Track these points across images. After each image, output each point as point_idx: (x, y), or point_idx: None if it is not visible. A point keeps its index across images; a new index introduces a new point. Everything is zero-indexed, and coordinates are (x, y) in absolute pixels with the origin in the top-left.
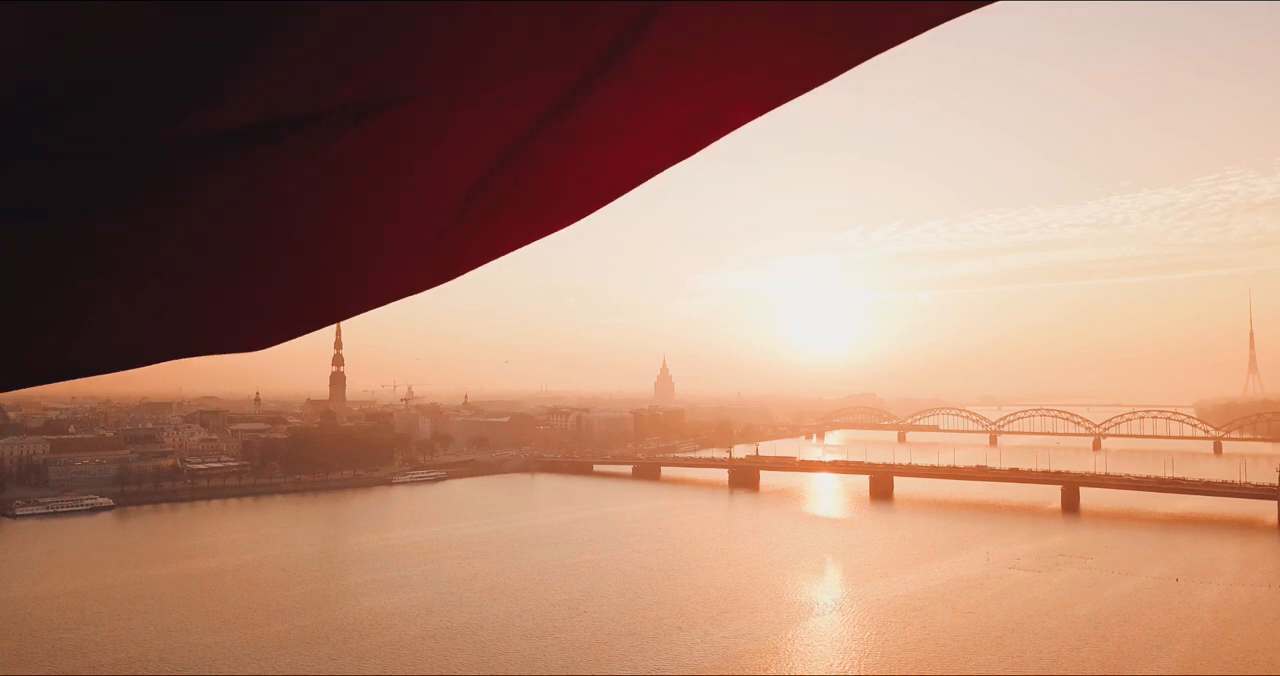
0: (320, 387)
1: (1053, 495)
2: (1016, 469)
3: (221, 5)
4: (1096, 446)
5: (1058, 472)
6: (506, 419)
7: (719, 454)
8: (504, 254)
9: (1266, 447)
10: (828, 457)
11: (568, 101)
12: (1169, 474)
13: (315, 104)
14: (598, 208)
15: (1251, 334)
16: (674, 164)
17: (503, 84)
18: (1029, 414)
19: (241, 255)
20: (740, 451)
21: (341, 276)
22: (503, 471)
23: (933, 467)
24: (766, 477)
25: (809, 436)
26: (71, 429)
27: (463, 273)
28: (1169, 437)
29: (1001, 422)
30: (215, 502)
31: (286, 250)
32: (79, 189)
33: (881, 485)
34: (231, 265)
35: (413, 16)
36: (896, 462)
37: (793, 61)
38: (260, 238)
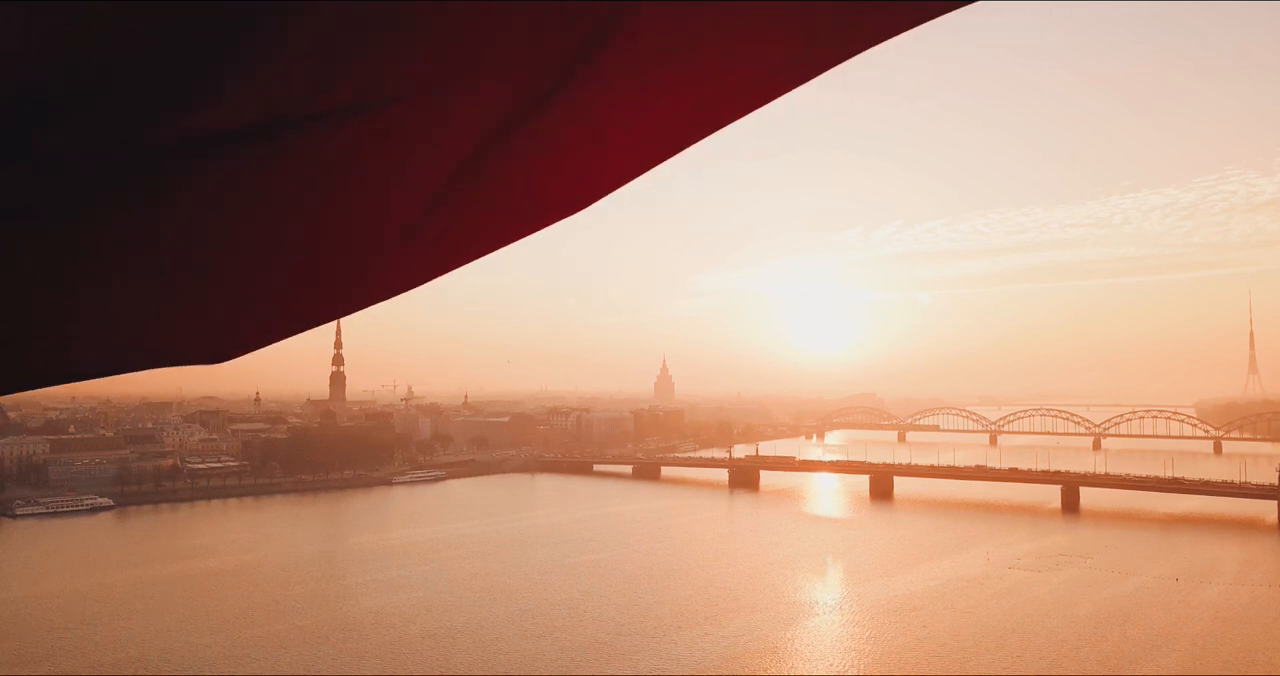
0: (320, 387)
1: (1053, 495)
2: (1016, 469)
3: (220, 6)
4: (1096, 446)
5: (1058, 472)
6: (506, 419)
7: (719, 454)
8: (481, 255)
9: (1266, 447)
10: (828, 457)
11: (543, 103)
12: (1169, 474)
13: (309, 105)
14: (575, 211)
15: (1251, 334)
16: (660, 162)
17: (471, 88)
18: (1029, 414)
19: (236, 257)
20: (740, 451)
21: (335, 277)
22: (503, 471)
23: (933, 467)
24: (766, 477)
25: (809, 436)
26: (71, 429)
27: (441, 274)
28: (1169, 437)
29: (1001, 422)
30: (215, 502)
31: (283, 251)
32: (75, 190)
33: (881, 485)
34: (226, 267)
35: (396, 17)
36: (896, 462)
37: (766, 63)
38: (253, 240)
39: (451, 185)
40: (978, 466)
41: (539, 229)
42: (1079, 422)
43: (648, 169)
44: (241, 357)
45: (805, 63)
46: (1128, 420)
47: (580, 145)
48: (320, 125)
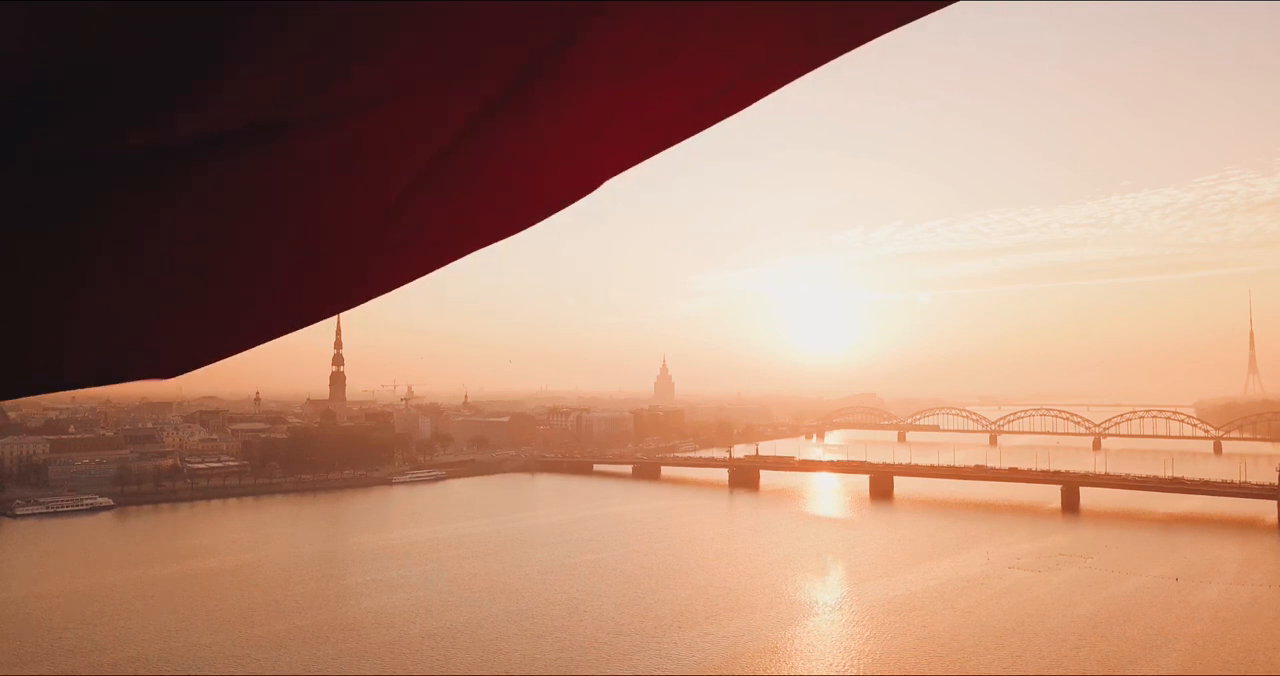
0: (320, 387)
1: (1053, 495)
2: (1016, 468)
3: (220, 6)
4: (1096, 446)
5: (1058, 472)
6: (506, 419)
7: (719, 454)
8: (467, 253)
9: (1266, 447)
10: (828, 457)
11: (528, 100)
12: (1169, 474)
13: (306, 105)
14: (561, 207)
15: (1251, 334)
16: (650, 155)
17: (449, 89)
18: (1029, 414)
19: (229, 257)
20: (740, 451)
21: (325, 276)
22: (503, 471)
23: (932, 467)
24: (766, 477)
25: (809, 436)
26: (71, 429)
27: (424, 273)
28: (1169, 437)
29: (1001, 422)
30: (215, 502)
31: (274, 250)
32: (74, 190)
33: (881, 485)
34: (222, 267)
35: (380, 19)
36: (896, 462)
37: (746, 62)
38: (247, 240)
39: (433, 185)
40: (978, 466)
41: (526, 226)
42: (1079, 422)
43: (634, 163)
44: (241, 357)
45: (793, 60)
46: (1128, 420)
47: (566, 141)
48: (318, 125)
